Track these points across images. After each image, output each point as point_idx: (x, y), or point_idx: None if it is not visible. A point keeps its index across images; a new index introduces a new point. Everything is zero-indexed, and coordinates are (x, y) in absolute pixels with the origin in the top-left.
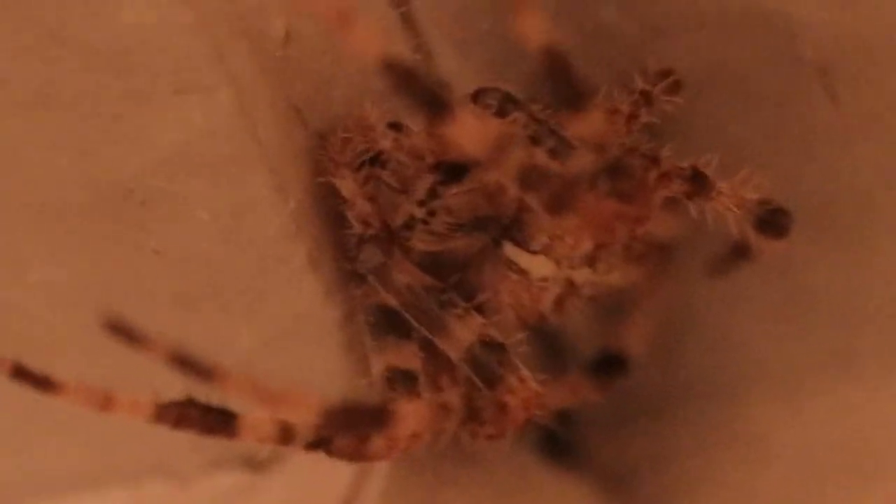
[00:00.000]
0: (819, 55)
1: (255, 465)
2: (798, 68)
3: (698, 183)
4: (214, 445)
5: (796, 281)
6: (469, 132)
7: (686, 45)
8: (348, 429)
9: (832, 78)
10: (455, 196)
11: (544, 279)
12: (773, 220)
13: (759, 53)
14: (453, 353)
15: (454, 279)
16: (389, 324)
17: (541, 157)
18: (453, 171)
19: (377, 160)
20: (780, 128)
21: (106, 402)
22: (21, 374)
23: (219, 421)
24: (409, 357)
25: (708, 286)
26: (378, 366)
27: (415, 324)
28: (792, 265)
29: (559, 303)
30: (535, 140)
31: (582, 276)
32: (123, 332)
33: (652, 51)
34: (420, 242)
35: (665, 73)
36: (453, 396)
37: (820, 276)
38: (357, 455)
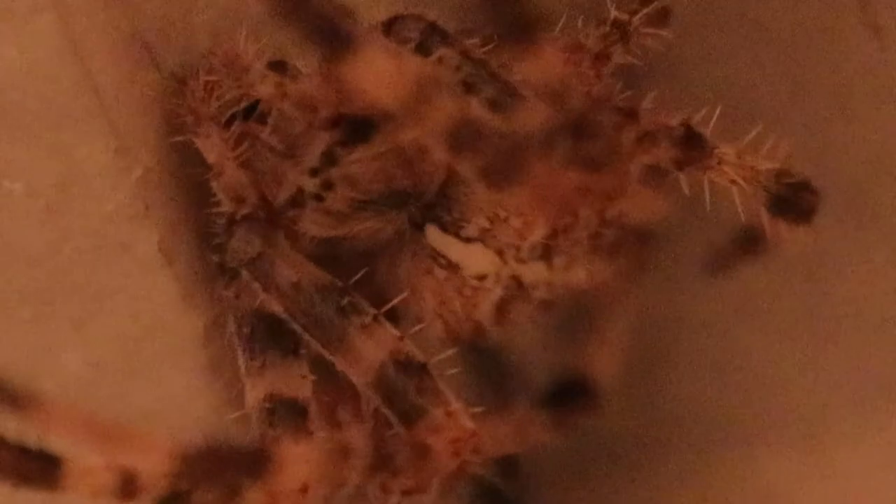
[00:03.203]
0: None
1: None
2: None
3: (692, 146)
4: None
5: (825, 285)
6: (379, 75)
7: None
8: (213, 479)
9: (876, 9)
10: (360, 162)
11: (481, 276)
12: (793, 199)
13: None
14: (357, 377)
15: (358, 276)
16: (270, 336)
17: (478, 109)
18: (358, 127)
19: (253, 112)
20: (805, 75)
21: None
22: None
23: (37, 467)
24: (296, 381)
25: (706, 290)
26: (255, 393)
27: (305, 336)
28: (819, 263)
29: (502, 309)
30: (469, 86)
31: (533, 272)
32: None
33: None
34: (313, 225)
35: None
36: (357, 435)
37: (856, 279)
38: None
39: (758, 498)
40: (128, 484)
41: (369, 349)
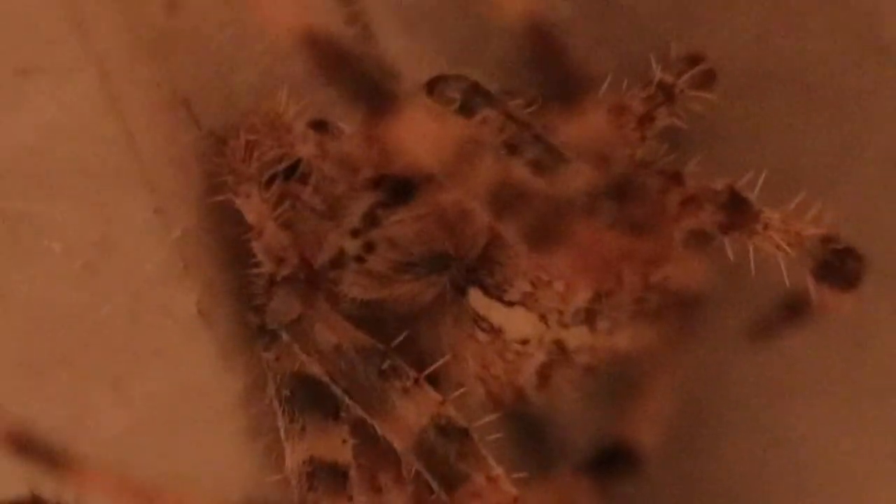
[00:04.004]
0: None
1: None
2: (880, 62)
3: (737, 211)
4: None
5: (871, 352)
6: (421, 135)
7: (726, 24)
8: None
9: None
10: (402, 223)
11: (524, 341)
12: (838, 266)
13: (827, 41)
14: (398, 442)
15: (400, 339)
16: (311, 399)
17: (520, 171)
18: (399, 188)
19: (294, 172)
20: (851, 140)
21: None
22: None
23: None
24: (336, 446)
25: (750, 356)
26: (295, 457)
27: (345, 400)
28: (865, 330)
29: (545, 373)
30: (512, 148)
31: (576, 337)
32: None
33: (679, 30)
34: (353, 287)
35: (693, 60)
36: (397, 500)
37: None
38: None
39: None
40: None
41: (410, 413)
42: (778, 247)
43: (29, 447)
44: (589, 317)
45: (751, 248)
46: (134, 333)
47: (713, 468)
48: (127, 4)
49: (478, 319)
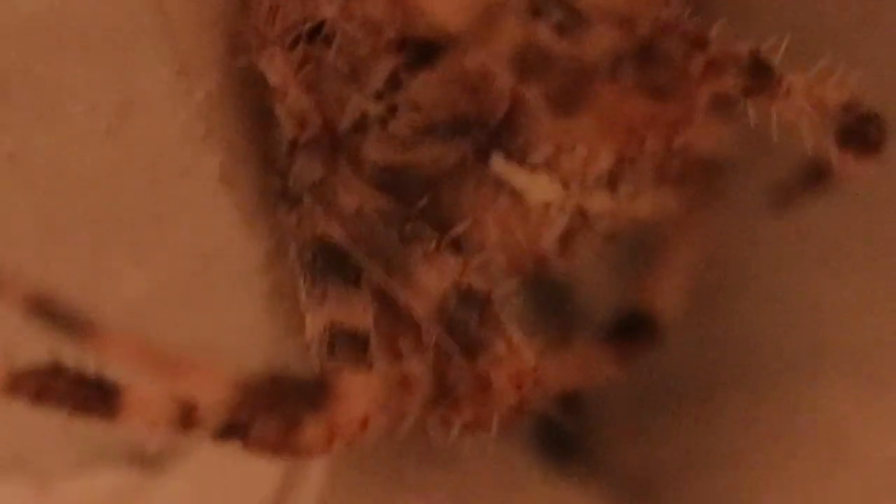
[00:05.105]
0: None
1: (144, 461)
2: None
3: (760, 76)
4: (88, 432)
5: (892, 219)
6: None
7: None
8: (273, 410)
9: None
10: (425, 86)
11: (546, 205)
12: (861, 131)
13: None
14: (419, 307)
15: (422, 203)
16: (332, 264)
17: (544, 33)
18: (423, 50)
19: (318, 34)
20: (876, 5)
21: None
22: None
23: (95, 395)
24: (357, 311)
25: (771, 223)
26: (316, 323)
27: (367, 264)
28: (885, 196)
29: (566, 240)
30: (536, 9)
31: (598, 202)
32: None
33: None
34: (376, 150)
35: None
36: (418, 367)
37: None
38: (284, 447)
39: (815, 432)
40: (187, 414)
41: (432, 278)
42: (800, 112)
43: (48, 311)
44: (611, 181)
45: (773, 114)
46: (155, 197)
47: (732, 336)
48: None
49: (500, 184)
